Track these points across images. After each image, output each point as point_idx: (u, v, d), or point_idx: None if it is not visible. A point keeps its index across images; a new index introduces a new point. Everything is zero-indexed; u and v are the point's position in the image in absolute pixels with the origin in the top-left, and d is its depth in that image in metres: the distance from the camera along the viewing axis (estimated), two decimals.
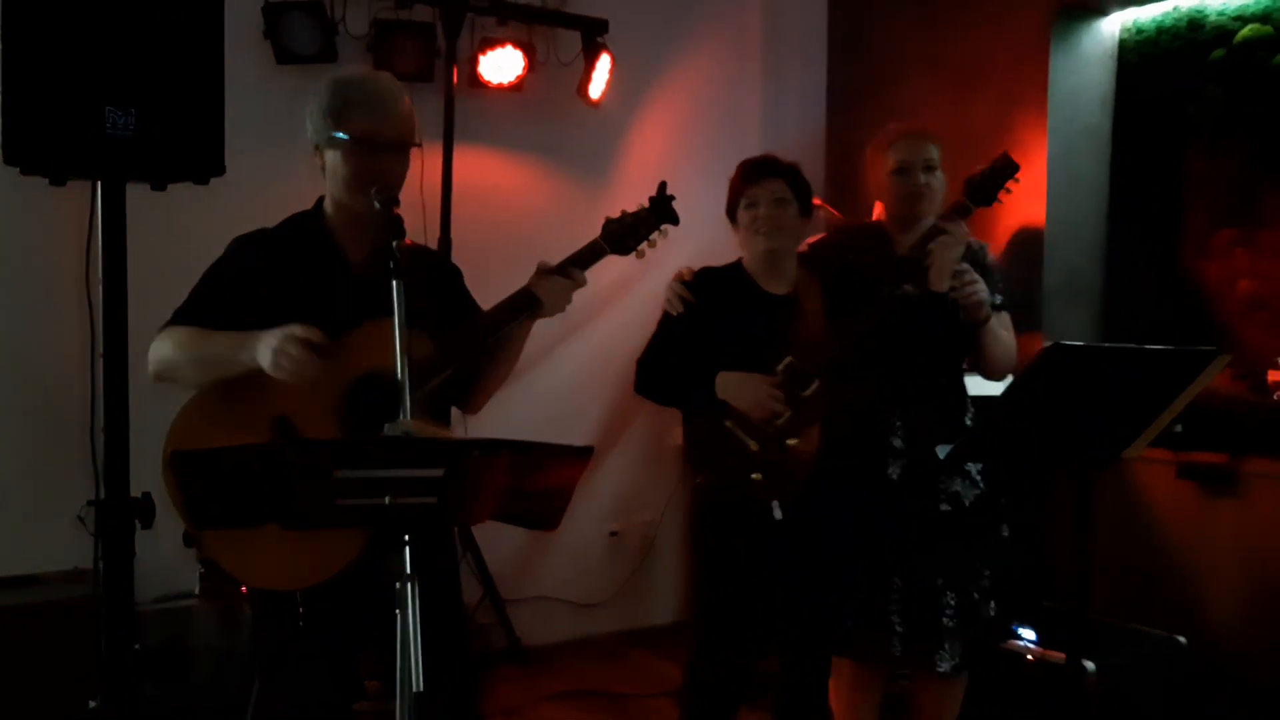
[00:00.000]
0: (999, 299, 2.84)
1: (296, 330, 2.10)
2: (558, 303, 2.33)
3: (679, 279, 2.85)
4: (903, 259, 2.70)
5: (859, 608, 2.78)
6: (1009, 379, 2.84)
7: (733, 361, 2.72)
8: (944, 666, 2.77)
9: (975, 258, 2.81)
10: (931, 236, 2.64)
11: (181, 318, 2.27)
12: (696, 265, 2.89)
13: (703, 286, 2.82)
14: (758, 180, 2.79)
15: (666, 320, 2.86)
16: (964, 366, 2.94)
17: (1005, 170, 2.63)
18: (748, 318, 2.78)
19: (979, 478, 2.82)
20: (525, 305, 2.32)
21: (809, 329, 2.74)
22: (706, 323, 2.78)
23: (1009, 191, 2.66)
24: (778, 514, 2.67)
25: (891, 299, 2.64)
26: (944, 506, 2.78)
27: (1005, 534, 2.86)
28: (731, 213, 2.85)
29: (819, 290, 2.81)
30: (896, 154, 2.81)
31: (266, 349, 2.10)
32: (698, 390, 2.72)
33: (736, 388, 2.69)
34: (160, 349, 2.24)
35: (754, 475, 2.67)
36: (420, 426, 2.01)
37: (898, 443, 2.79)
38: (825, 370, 2.68)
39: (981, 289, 2.67)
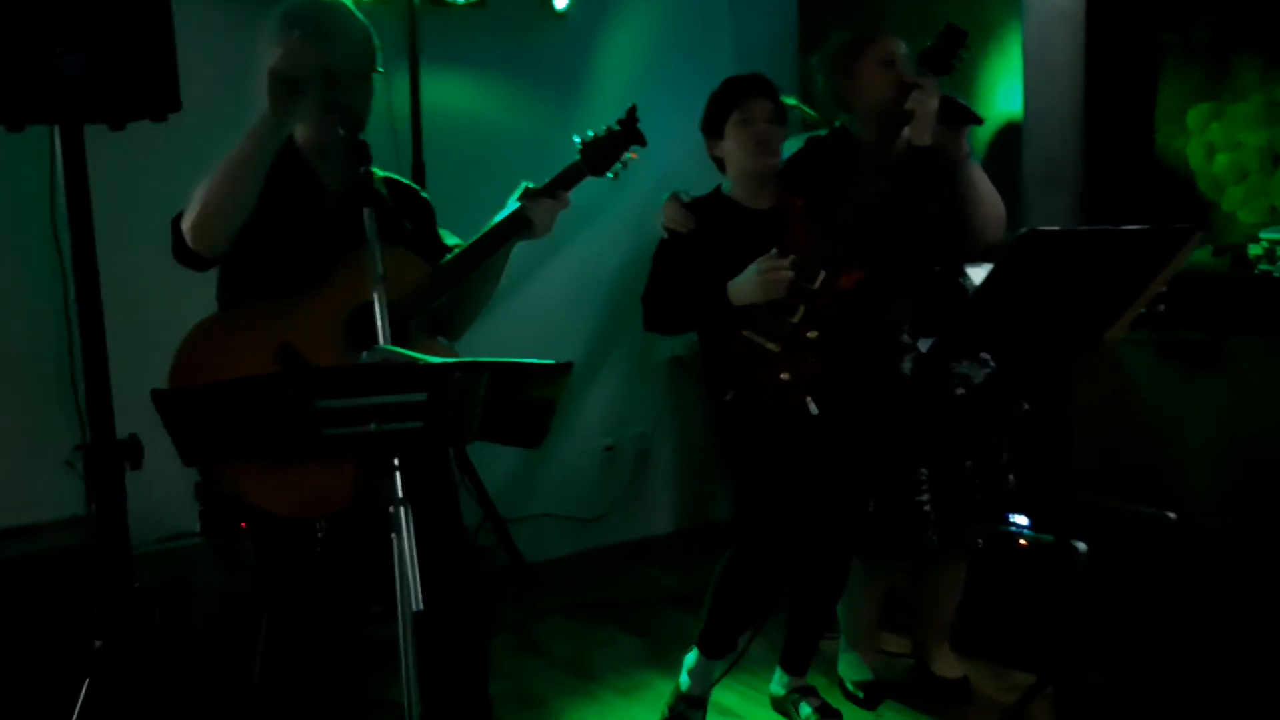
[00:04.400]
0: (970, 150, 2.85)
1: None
2: (546, 222, 2.37)
3: (678, 202, 2.84)
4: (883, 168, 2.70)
5: (884, 508, 2.85)
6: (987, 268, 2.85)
7: (730, 276, 2.74)
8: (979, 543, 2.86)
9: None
10: (906, 92, 2.67)
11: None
12: (670, 182, 2.89)
13: (692, 211, 2.83)
14: (751, 95, 2.78)
15: (663, 251, 2.86)
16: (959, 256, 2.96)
17: (953, 39, 2.67)
18: (738, 237, 2.78)
19: (988, 356, 2.86)
20: (517, 226, 2.35)
21: (800, 239, 2.74)
22: (703, 249, 2.79)
23: (962, 60, 2.69)
24: (813, 409, 2.70)
25: (868, 194, 2.65)
26: (959, 390, 2.83)
27: (1025, 408, 2.91)
28: (715, 127, 2.83)
29: (802, 206, 2.81)
30: (880, 49, 2.83)
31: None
32: (711, 306, 2.73)
33: (745, 284, 2.70)
34: (190, 205, 2.18)
35: (783, 375, 2.69)
36: (430, 351, 2.02)
37: (906, 338, 2.82)
38: (829, 258, 2.69)
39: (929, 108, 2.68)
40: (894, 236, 2.75)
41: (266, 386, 1.85)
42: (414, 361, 1.84)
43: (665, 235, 2.84)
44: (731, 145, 2.81)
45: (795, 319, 2.69)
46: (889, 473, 2.84)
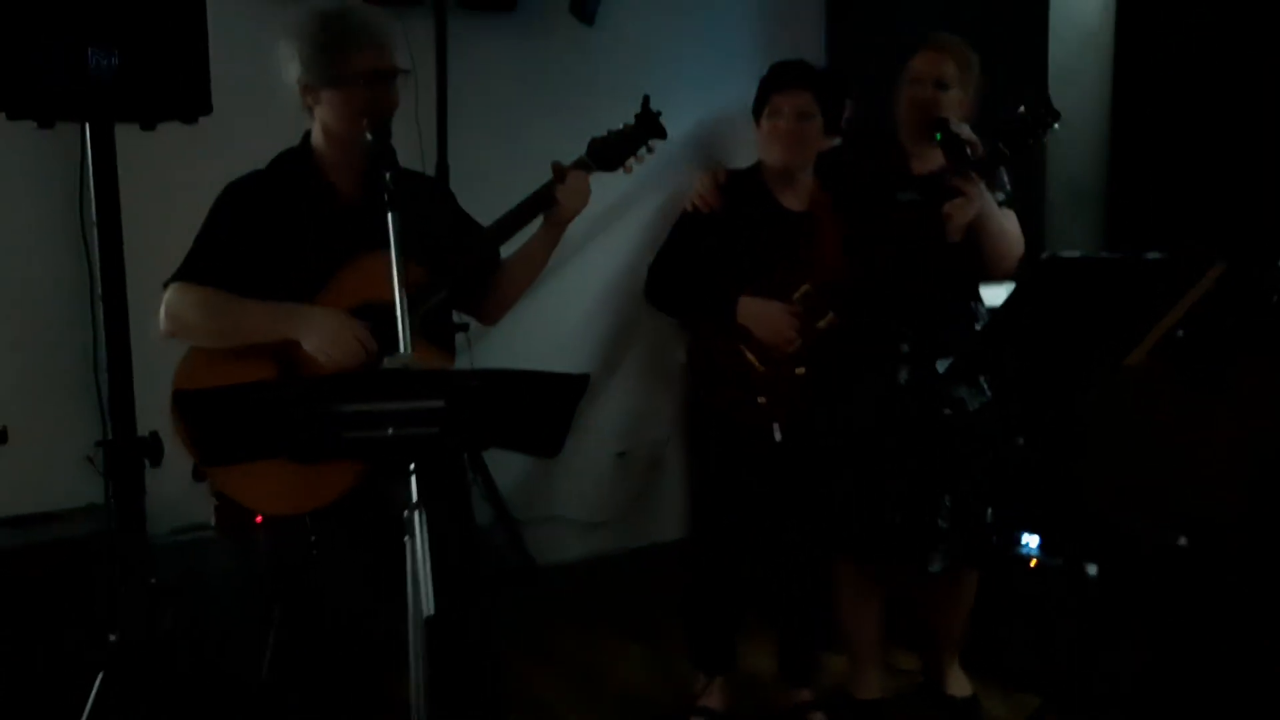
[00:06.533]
0: (1002, 196, 2.83)
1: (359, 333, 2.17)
2: (574, 199, 2.37)
3: (712, 180, 2.83)
4: (917, 178, 2.69)
5: (859, 510, 2.83)
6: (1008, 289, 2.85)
7: (746, 278, 2.74)
8: (935, 566, 2.83)
9: (994, 156, 2.79)
10: (949, 195, 2.62)
11: (191, 274, 2.28)
12: (692, 184, 2.88)
13: (724, 193, 2.82)
14: (785, 88, 2.77)
15: (683, 224, 2.86)
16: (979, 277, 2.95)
17: (1039, 117, 2.60)
18: (764, 234, 2.78)
19: (985, 385, 2.85)
20: (536, 205, 2.36)
21: (825, 252, 2.74)
22: (724, 232, 2.78)
23: (1043, 138, 2.63)
24: (778, 436, 2.71)
25: (900, 207, 2.65)
26: (946, 411, 2.81)
27: (1020, 443, 2.88)
28: (757, 113, 2.84)
29: (831, 209, 2.82)
30: (914, 64, 2.81)
31: (316, 339, 2.16)
32: (718, 309, 2.74)
33: (758, 315, 2.71)
34: (177, 308, 2.25)
35: (760, 398, 2.70)
36: (422, 357, 2.04)
37: (906, 348, 2.81)
38: (841, 305, 2.70)
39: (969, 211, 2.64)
40: (909, 249, 2.75)
41: (286, 390, 1.88)
42: (434, 368, 1.86)
43: (689, 208, 2.84)
44: (759, 137, 2.82)
45: (790, 350, 2.70)
46: (867, 477, 2.82)
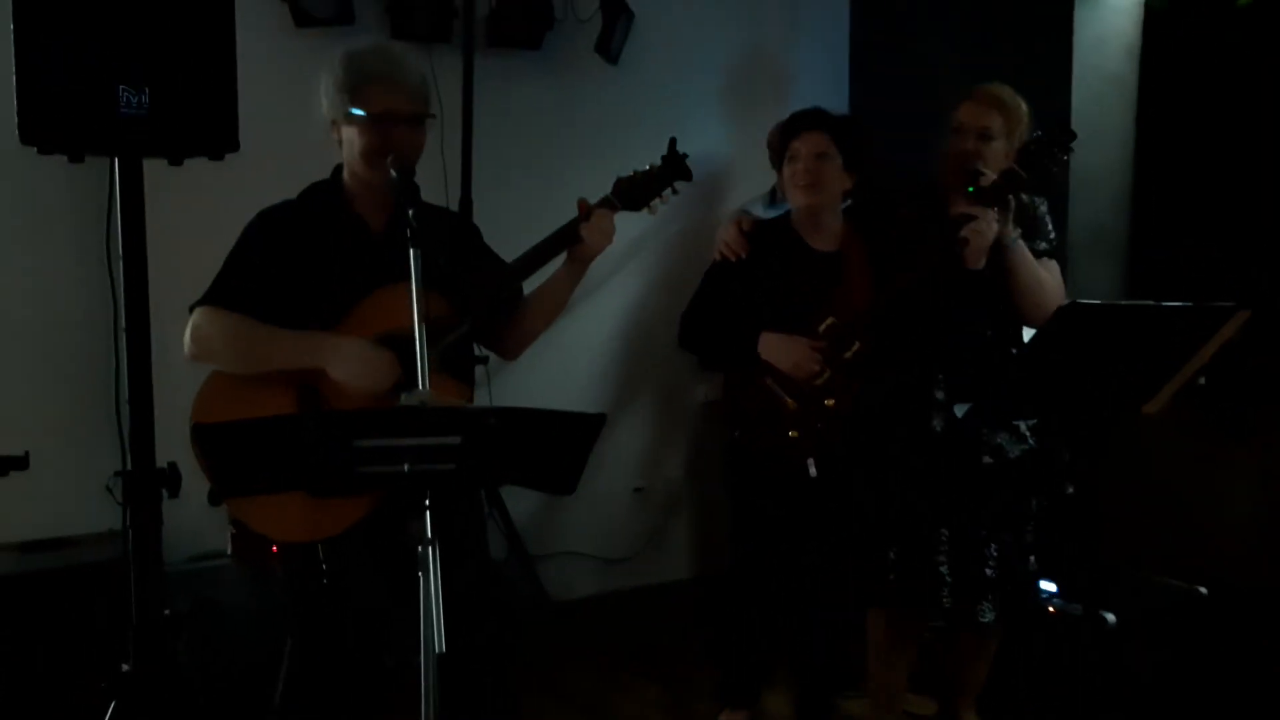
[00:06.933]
0: (1043, 245, 2.83)
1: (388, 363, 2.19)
2: (597, 236, 2.37)
3: (737, 228, 2.86)
4: (943, 233, 2.70)
5: (905, 560, 2.80)
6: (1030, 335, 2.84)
7: (776, 320, 2.75)
8: (986, 617, 2.79)
9: (1025, 210, 2.79)
10: (961, 223, 2.63)
11: (219, 299, 2.31)
12: (714, 222, 2.91)
13: (752, 240, 2.84)
14: (798, 133, 2.82)
15: (713, 273, 2.89)
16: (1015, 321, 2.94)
17: (1057, 139, 2.62)
18: (793, 276, 2.80)
19: (1029, 434, 2.82)
20: (560, 242, 2.37)
21: (853, 288, 2.75)
22: (754, 278, 2.80)
23: (1065, 161, 2.65)
24: (813, 471, 2.71)
25: (931, 265, 2.65)
26: (986, 459, 2.79)
27: (1069, 491, 2.85)
28: (777, 163, 2.88)
29: (864, 248, 2.82)
30: (958, 114, 2.81)
31: (343, 369, 2.19)
32: (740, 349, 2.75)
33: (778, 348, 2.73)
34: (203, 333, 2.28)
35: (791, 433, 2.71)
36: (442, 389, 2.06)
37: (940, 395, 2.80)
38: (867, 333, 2.70)
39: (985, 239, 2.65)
40: (954, 298, 2.75)
41: (303, 424, 1.89)
42: (451, 405, 1.87)
43: (717, 257, 2.87)
44: (782, 185, 2.86)
45: (819, 382, 2.70)
46: (908, 526, 2.81)
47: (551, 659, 3.85)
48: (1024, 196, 2.77)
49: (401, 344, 2.19)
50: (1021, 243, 2.73)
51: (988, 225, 2.61)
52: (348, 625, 2.36)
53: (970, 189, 2.65)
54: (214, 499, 2.19)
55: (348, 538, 2.25)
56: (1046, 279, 2.80)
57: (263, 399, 2.23)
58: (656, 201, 2.47)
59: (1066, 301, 2.27)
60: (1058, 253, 2.89)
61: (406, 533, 1.85)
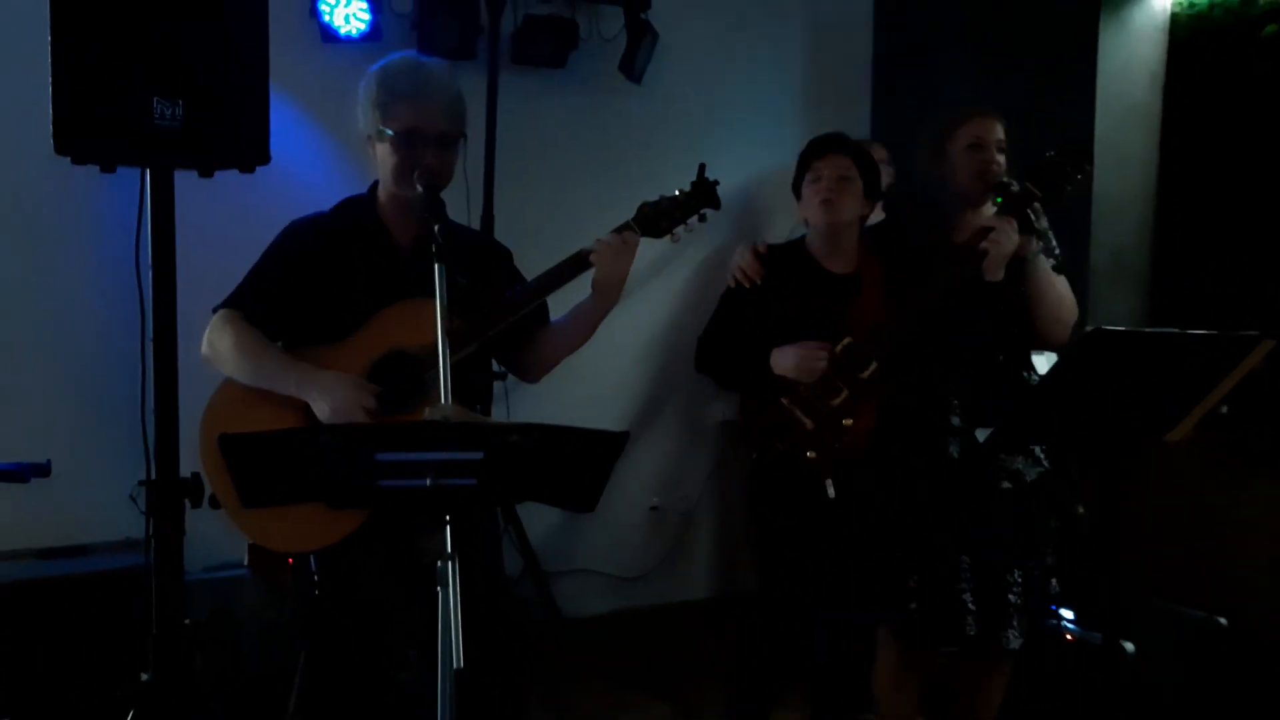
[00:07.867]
0: (1053, 261, 2.82)
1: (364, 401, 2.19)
2: (607, 264, 2.36)
3: (752, 253, 2.86)
4: (960, 248, 2.69)
5: (926, 589, 2.79)
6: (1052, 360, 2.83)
7: (792, 339, 2.75)
8: (1013, 644, 2.77)
9: (1025, 196, 2.78)
10: (982, 235, 2.63)
11: (239, 303, 2.34)
12: (737, 243, 2.91)
13: (767, 264, 2.85)
14: (824, 155, 2.82)
15: (729, 297, 2.89)
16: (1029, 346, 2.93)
17: (1071, 160, 2.61)
18: (809, 298, 2.80)
19: (1043, 455, 2.81)
20: (572, 269, 2.37)
21: (870, 309, 2.75)
22: (769, 302, 2.80)
23: (1078, 182, 2.64)
24: (831, 492, 2.70)
25: (950, 279, 2.64)
26: (1004, 484, 2.77)
27: (1080, 512, 2.84)
28: (796, 187, 2.88)
29: (881, 269, 2.82)
30: (971, 130, 2.79)
31: (325, 403, 2.20)
32: (754, 369, 2.75)
33: (785, 357, 2.71)
34: (219, 339, 2.31)
35: (809, 453, 2.70)
36: (459, 411, 2.06)
37: (956, 420, 2.79)
38: (884, 352, 2.69)
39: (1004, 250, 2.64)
40: (969, 321, 2.74)
41: (330, 435, 1.90)
42: (473, 420, 1.88)
43: (731, 284, 2.87)
44: (801, 206, 2.86)
45: (836, 402, 2.69)
46: (928, 555, 2.80)
47: (562, 676, 3.84)
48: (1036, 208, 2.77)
49: (406, 360, 2.23)
50: (1042, 256, 2.73)
51: (1008, 237, 2.61)
52: (350, 635, 2.36)
53: (999, 199, 2.65)
54: (214, 501, 2.21)
55: (345, 548, 2.25)
56: (1066, 294, 2.79)
57: (269, 412, 2.24)
58: (681, 229, 2.46)
59: (1089, 327, 2.26)
60: (1063, 269, 2.88)
61: (421, 548, 1.85)
